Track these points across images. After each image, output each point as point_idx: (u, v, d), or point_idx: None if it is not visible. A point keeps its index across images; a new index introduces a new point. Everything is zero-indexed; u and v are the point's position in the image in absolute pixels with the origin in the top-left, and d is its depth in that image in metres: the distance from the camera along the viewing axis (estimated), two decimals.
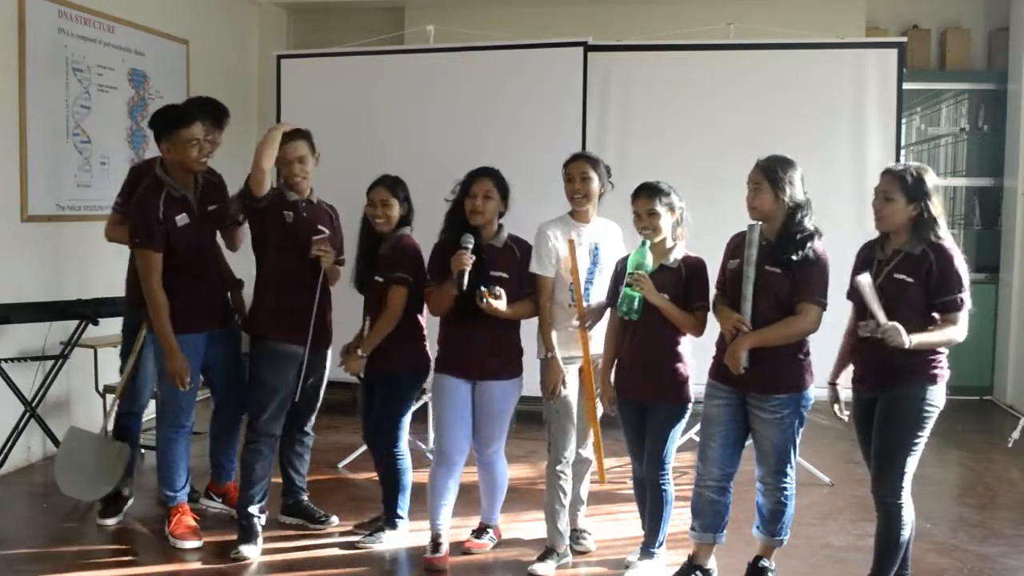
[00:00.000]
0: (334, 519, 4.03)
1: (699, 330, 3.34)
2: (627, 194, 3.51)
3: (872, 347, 2.98)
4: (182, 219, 3.69)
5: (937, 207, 2.97)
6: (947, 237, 2.98)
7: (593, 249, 3.56)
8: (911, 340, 2.87)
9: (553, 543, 3.58)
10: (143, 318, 3.84)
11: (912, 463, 3.02)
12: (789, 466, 3.24)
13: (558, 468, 3.52)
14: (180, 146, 3.63)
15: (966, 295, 2.94)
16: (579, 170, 3.53)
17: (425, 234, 3.76)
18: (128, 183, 4.06)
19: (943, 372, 3.02)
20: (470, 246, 3.43)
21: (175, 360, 3.65)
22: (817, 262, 3.12)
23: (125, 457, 4.02)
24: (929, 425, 3.01)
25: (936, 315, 2.96)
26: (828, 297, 3.14)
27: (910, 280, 2.94)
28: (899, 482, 3.01)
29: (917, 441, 2.99)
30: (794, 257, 3.10)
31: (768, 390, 3.17)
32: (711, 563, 3.39)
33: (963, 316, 2.94)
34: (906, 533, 3.05)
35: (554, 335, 3.51)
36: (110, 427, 4.21)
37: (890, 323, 2.87)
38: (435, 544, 3.59)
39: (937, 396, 3.00)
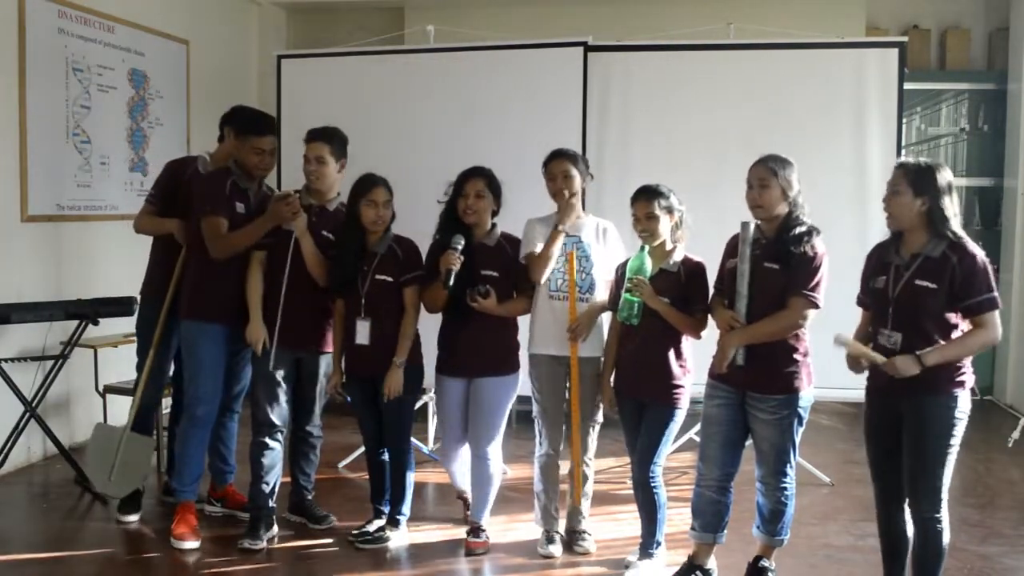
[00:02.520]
0: (332, 519, 4.03)
1: (698, 332, 3.37)
2: (628, 194, 3.53)
3: (897, 355, 2.88)
4: (240, 207, 3.83)
5: (950, 204, 2.86)
6: (965, 236, 2.87)
7: (575, 241, 3.63)
8: (928, 360, 2.79)
9: (548, 525, 3.71)
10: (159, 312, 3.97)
11: (948, 474, 2.92)
12: (789, 466, 3.24)
13: (548, 460, 3.68)
14: (247, 150, 3.83)
15: (996, 294, 2.83)
16: (560, 169, 3.62)
17: (425, 234, 3.77)
18: (163, 177, 4.16)
19: (969, 378, 2.90)
20: (459, 246, 3.55)
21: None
22: (813, 258, 3.10)
23: (150, 451, 4.06)
24: (960, 433, 2.90)
25: (961, 321, 2.86)
26: (821, 294, 3.10)
27: (933, 286, 2.82)
28: (938, 495, 2.91)
29: (949, 452, 2.89)
30: (792, 249, 3.09)
31: (767, 390, 3.16)
32: (711, 563, 3.39)
33: (995, 317, 2.83)
34: (946, 548, 2.95)
35: (536, 327, 3.68)
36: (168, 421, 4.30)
37: (891, 360, 2.83)
38: (464, 500, 3.97)
39: (965, 402, 2.90)
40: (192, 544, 3.75)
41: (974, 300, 2.81)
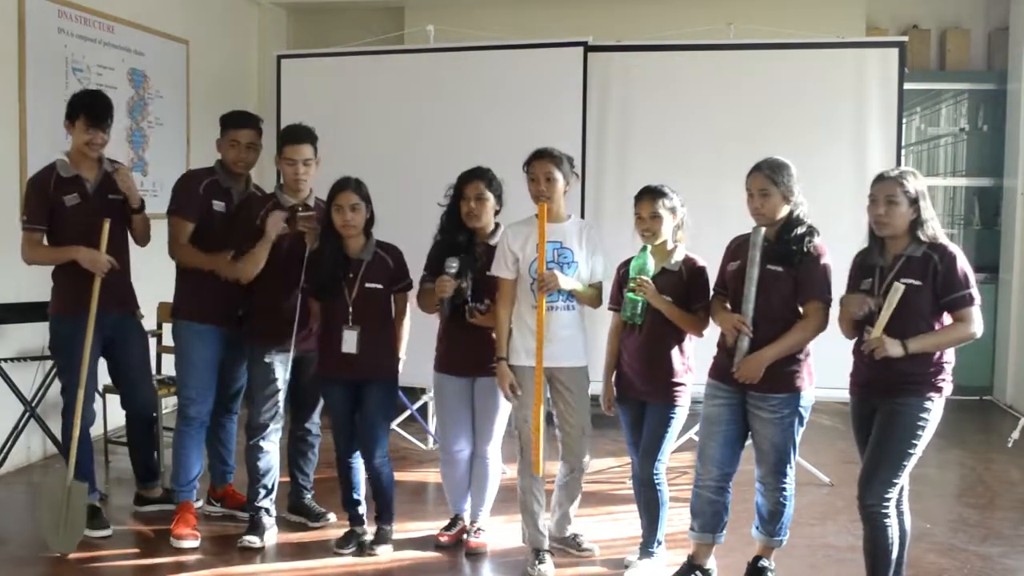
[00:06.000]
0: (331, 516, 4.04)
1: (701, 330, 3.38)
2: (628, 194, 3.53)
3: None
4: (219, 206, 3.85)
5: (929, 207, 2.96)
6: (943, 236, 2.98)
7: (556, 246, 3.48)
8: (911, 346, 2.87)
9: (537, 544, 3.55)
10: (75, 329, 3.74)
11: (903, 476, 2.98)
12: (788, 466, 3.24)
13: (531, 473, 3.49)
14: (225, 144, 3.88)
15: (975, 291, 2.91)
16: (543, 170, 3.46)
17: (424, 235, 3.76)
18: (34, 197, 3.80)
19: (948, 385, 2.97)
20: (452, 270, 3.50)
21: (231, 266, 3.72)
22: (819, 259, 3.14)
23: (85, 498, 3.72)
24: (926, 438, 2.96)
25: (946, 316, 2.94)
26: (832, 292, 3.14)
27: (918, 283, 2.91)
28: (886, 491, 2.95)
29: (911, 453, 2.94)
30: (795, 248, 3.12)
31: (768, 390, 3.17)
32: (710, 563, 3.39)
33: (975, 312, 2.90)
34: (894, 547, 2.99)
35: (515, 338, 3.49)
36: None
37: (880, 336, 2.88)
38: (451, 523, 3.85)
39: (939, 408, 2.96)
40: (191, 544, 3.75)
41: (955, 295, 2.90)
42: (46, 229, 3.78)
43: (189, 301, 3.86)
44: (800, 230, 3.15)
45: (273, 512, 3.90)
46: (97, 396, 4.84)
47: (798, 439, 3.25)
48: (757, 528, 3.35)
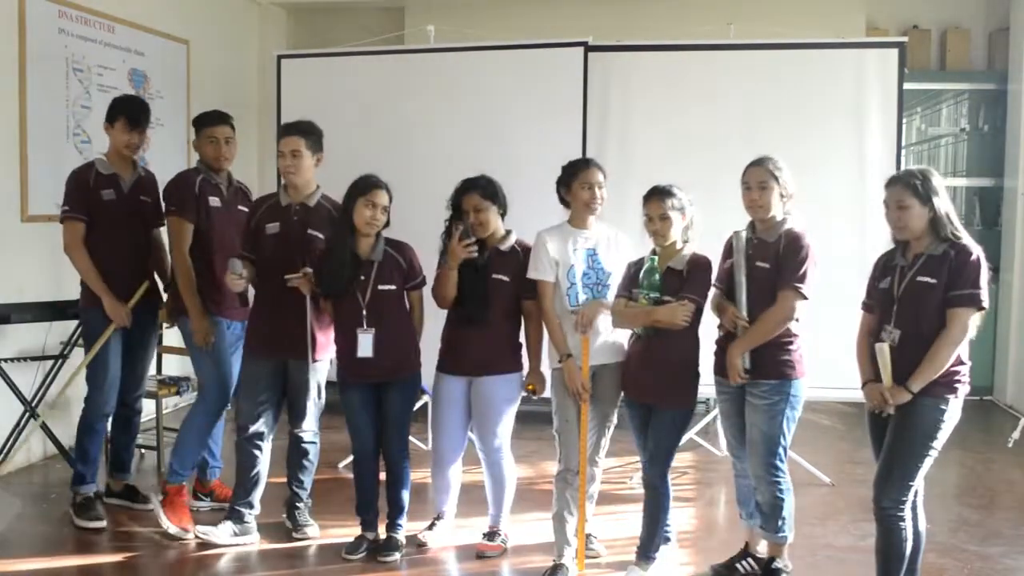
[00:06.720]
0: (309, 531, 3.89)
1: (672, 318, 3.22)
2: (628, 194, 3.54)
3: (894, 356, 2.90)
4: (215, 201, 3.99)
5: (945, 204, 2.91)
6: (965, 234, 2.91)
7: (591, 253, 3.53)
8: (914, 386, 2.85)
9: (560, 553, 3.49)
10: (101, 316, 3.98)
11: (918, 478, 2.95)
12: (779, 459, 3.25)
13: (568, 476, 3.48)
14: (203, 141, 4.02)
15: (982, 294, 2.83)
16: (596, 179, 3.51)
17: (423, 233, 3.75)
18: (78, 188, 3.94)
19: (963, 386, 2.92)
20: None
21: (201, 320, 3.90)
22: (800, 251, 3.16)
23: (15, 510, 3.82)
24: (942, 439, 2.93)
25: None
26: (807, 285, 3.14)
27: (932, 282, 2.86)
28: (902, 494, 2.93)
29: (928, 454, 2.91)
30: (782, 247, 3.17)
31: (758, 376, 3.21)
32: (763, 547, 3.45)
33: (967, 315, 2.83)
34: (907, 549, 2.96)
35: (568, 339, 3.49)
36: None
37: (889, 389, 2.87)
38: (432, 523, 3.85)
39: (955, 409, 2.92)
40: (187, 533, 3.79)
41: (954, 293, 2.84)
42: (87, 220, 3.93)
43: (213, 297, 3.96)
44: (787, 227, 3.21)
45: (249, 517, 3.82)
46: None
47: (789, 433, 3.24)
48: (762, 527, 3.35)
